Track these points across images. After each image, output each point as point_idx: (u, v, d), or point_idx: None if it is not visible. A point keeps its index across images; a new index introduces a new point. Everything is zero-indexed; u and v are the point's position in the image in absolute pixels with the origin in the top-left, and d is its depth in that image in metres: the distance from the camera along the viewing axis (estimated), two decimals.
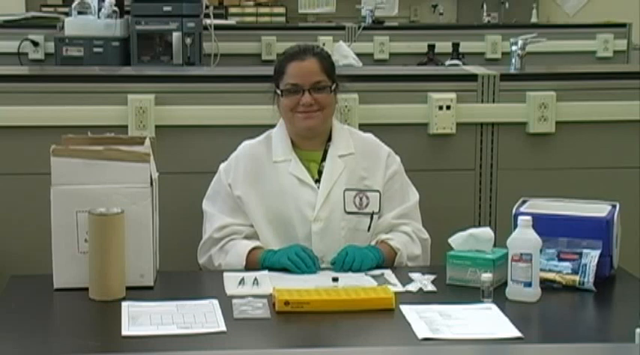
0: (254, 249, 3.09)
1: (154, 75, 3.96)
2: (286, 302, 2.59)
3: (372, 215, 3.15)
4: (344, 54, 5.68)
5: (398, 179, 3.24)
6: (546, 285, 2.76)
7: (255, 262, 3.05)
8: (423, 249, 3.19)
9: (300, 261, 2.97)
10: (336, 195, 3.15)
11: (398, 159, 3.27)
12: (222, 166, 3.25)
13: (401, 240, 3.14)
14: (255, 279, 2.85)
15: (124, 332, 2.45)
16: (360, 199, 3.15)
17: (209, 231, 3.17)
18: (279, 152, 3.20)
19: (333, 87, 3.19)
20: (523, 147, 3.87)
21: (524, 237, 2.70)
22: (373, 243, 3.13)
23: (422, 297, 2.74)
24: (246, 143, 3.27)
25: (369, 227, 3.15)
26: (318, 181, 3.18)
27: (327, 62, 3.20)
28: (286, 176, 3.17)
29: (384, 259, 3.06)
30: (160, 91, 3.72)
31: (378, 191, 3.17)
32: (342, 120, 3.49)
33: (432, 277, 2.88)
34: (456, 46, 6.48)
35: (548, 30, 7.08)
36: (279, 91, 3.18)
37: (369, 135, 3.31)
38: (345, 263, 2.99)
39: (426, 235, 3.22)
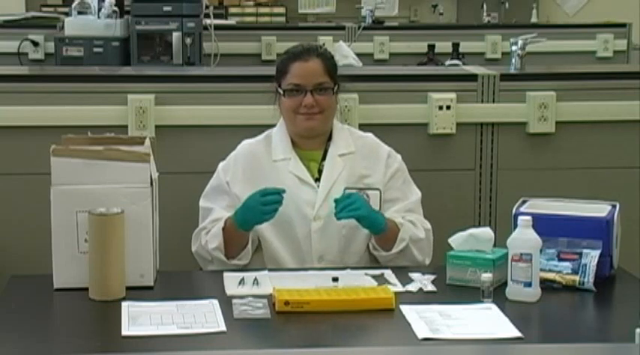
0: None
1: (154, 75, 3.96)
2: (286, 302, 2.59)
3: None
4: (344, 54, 5.68)
5: (400, 177, 3.24)
6: (546, 285, 2.76)
7: (230, 223, 3.07)
8: (427, 237, 3.18)
9: (272, 204, 2.99)
10: (335, 193, 3.14)
11: (399, 157, 3.27)
12: (220, 165, 3.25)
13: (405, 222, 3.14)
14: (255, 279, 2.85)
15: (124, 332, 2.45)
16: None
17: (204, 222, 3.17)
18: (279, 151, 3.21)
19: (335, 88, 3.19)
20: (523, 147, 3.87)
21: (524, 237, 2.70)
22: None
23: (422, 297, 2.73)
24: (246, 142, 3.27)
25: None
26: (318, 180, 3.18)
27: (330, 63, 3.20)
28: (286, 175, 3.17)
29: (385, 223, 3.07)
30: (160, 91, 3.73)
31: (378, 189, 3.17)
32: (342, 120, 3.49)
33: (432, 277, 2.88)
34: (456, 46, 6.48)
35: (548, 30, 7.09)
36: (280, 91, 3.19)
37: (369, 135, 3.31)
38: (345, 203, 3.00)
39: (428, 225, 3.21)
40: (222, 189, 3.20)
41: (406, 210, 3.20)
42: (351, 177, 3.18)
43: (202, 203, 3.23)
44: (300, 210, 3.14)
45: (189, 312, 2.56)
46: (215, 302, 2.65)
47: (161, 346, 2.38)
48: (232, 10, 7.95)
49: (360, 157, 3.22)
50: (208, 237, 3.11)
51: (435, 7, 8.55)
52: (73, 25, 5.79)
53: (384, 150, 3.26)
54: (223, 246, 3.08)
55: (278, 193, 3.01)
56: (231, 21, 7.43)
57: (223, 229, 3.09)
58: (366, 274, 2.94)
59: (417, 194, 3.26)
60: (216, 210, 3.17)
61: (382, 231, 3.08)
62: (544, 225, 2.80)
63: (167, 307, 2.61)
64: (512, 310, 2.61)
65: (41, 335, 2.47)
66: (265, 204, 2.99)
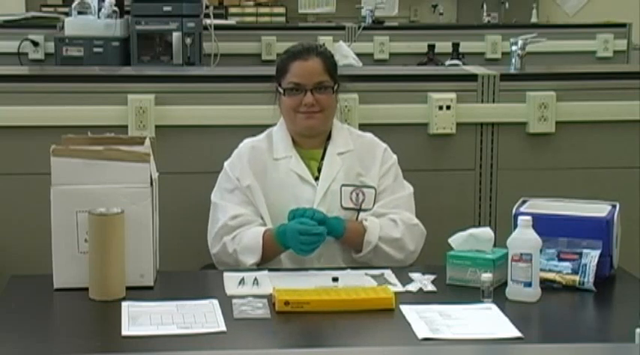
0: (267, 230, 3.11)
1: (154, 75, 3.96)
2: (286, 302, 2.59)
3: (358, 210, 3.14)
4: (344, 54, 5.68)
5: (392, 174, 3.24)
6: (546, 285, 2.76)
7: (270, 238, 3.06)
8: (411, 235, 3.16)
9: (310, 244, 2.99)
10: (333, 192, 3.15)
11: (395, 156, 3.28)
12: (226, 163, 3.25)
13: (379, 221, 3.13)
14: (255, 279, 2.85)
15: (124, 332, 2.45)
16: (357, 195, 3.16)
17: (223, 219, 3.15)
18: (280, 149, 3.21)
19: (335, 87, 3.19)
20: (523, 147, 3.87)
21: (524, 237, 2.70)
22: None
23: (422, 297, 2.73)
24: (247, 140, 3.28)
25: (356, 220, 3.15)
26: (317, 179, 3.19)
27: (330, 62, 3.21)
28: (287, 173, 3.18)
29: (344, 227, 3.08)
30: (160, 91, 3.73)
31: (373, 187, 3.17)
32: (342, 120, 3.50)
33: (432, 277, 2.88)
34: (456, 46, 6.48)
35: (548, 30, 7.09)
36: (281, 90, 3.19)
37: (368, 135, 3.32)
38: (296, 215, 3.03)
39: (415, 221, 3.19)
40: (234, 186, 3.19)
41: (393, 206, 3.19)
42: (348, 176, 3.19)
43: (214, 199, 3.22)
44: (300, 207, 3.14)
45: (189, 312, 2.56)
46: (215, 302, 2.65)
47: (161, 346, 2.38)
48: (232, 10, 7.95)
49: (357, 156, 3.23)
50: (240, 248, 3.10)
51: (435, 7, 8.55)
52: (73, 25, 5.79)
53: (380, 148, 3.27)
54: (260, 260, 3.09)
55: (319, 234, 2.99)
56: (231, 21, 7.43)
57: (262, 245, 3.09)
58: (366, 274, 2.94)
59: (407, 189, 3.25)
60: (231, 207, 3.16)
61: (341, 235, 3.09)
62: (544, 225, 2.80)
63: (167, 307, 2.60)
64: (512, 310, 2.61)
65: (41, 335, 2.46)
66: (304, 243, 2.99)
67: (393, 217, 3.17)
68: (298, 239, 2.99)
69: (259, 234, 3.09)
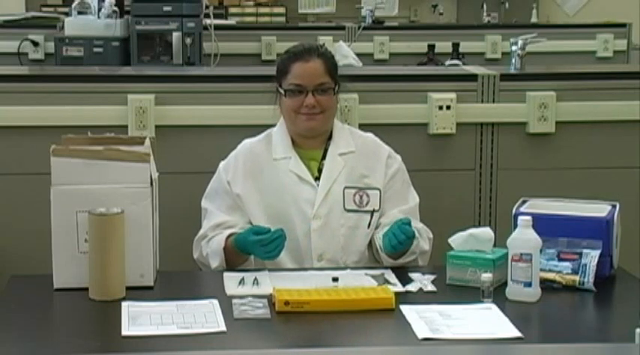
0: (231, 234, 3.09)
1: (154, 75, 3.96)
2: (286, 302, 2.59)
3: (372, 212, 3.15)
4: (344, 54, 5.68)
5: (399, 178, 3.24)
6: (546, 285, 2.76)
7: (231, 246, 3.05)
8: (430, 246, 3.18)
9: (275, 249, 2.95)
10: (335, 192, 3.15)
11: (399, 158, 3.27)
12: (221, 164, 3.25)
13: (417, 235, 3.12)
14: (255, 279, 2.85)
15: (124, 332, 2.45)
16: (360, 197, 3.15)
17: (205, 227, 3.18)
18: (280, 150, 3.21)
19: (336, 88, 3.19)
20: (523, 147, 3.87)
21: (524, 237, 2.70)
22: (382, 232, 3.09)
23: (422, 297, 2.74)
24: (247, 141, 3.28)
25: (369, 224, 3.15)
26: (318, 179, 3.18)
27: (330, 63, 3.20)
28: (286, 173, 3.17)
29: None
30: (160, 91, 3.73)
31: (378, 189, 3.16)
32: (342, 120, 3.49)
33: (432, 277, 2.88)
34: (456, 46, 6.48)
35: (548, 30, 7.09)
36: (281, 91, 3.19)
37: (370, 135, 3.31)
38: (399, 243, 2.95)
39: (431, 234, 3.21)
40: (223, 189, 3.20)
41: (405, 215, 3.19)
42: (350, 177, 3.18)
43: (204, 204, 3.23)
44: (300, 208, 3.14)
45: (189, 312, 2.56)
46: (215, 302, 2.65)
47: (161, 346, 2.38)
48: (232, 10, 7.95)
49: (360, 157, 3.22)
50: (210, 252, 3.11)
51: (435, 7, 8.55)
52: (73, 25, 5.79)
53: (384, 150, 3.26)
54: (225, 263, 3.08)
55: (278, 237, 2.94)
56: (231, 21, 7.43)
57: (224, 248, 3.08)
58: (366, 274, 2.93)
59: (415, 199, 3.25)
60: (216, 214, 3.17)
61: (412, 236, 3.01)
62: (544, 225, 2.80)
63: (167, 307, 2.61)
64: (512, 310, 2.61)
65: (41, 335, 2.47)
66: (269, 251, 2.95)
67: (417, 226, 3.14)
68: (262, 250, 2.96)
69: (223, 239, 3.09)
